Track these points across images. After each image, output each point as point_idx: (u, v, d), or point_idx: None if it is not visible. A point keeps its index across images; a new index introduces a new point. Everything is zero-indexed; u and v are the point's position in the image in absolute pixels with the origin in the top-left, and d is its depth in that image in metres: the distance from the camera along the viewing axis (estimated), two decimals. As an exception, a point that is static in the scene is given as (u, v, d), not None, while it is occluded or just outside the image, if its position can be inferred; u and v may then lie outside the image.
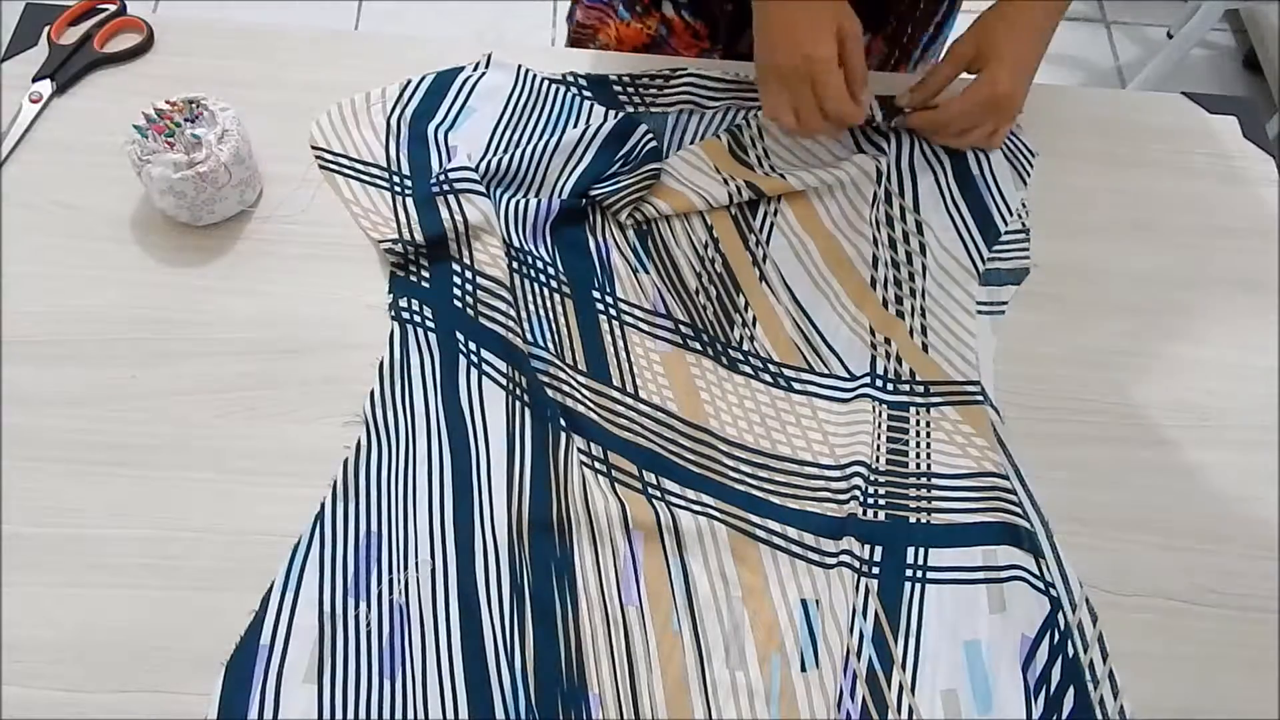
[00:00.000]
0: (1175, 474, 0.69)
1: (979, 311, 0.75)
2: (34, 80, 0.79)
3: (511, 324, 0.69)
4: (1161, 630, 0.63)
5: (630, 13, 0.93)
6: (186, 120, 0.71)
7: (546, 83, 0.84)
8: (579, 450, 0.65)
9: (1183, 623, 0.64)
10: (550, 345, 0.70)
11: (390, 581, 0.61)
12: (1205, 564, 0.66)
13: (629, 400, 0.69)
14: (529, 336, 0.70)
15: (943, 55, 0.80)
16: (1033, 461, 0.68)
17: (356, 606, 0.60)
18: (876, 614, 0.62)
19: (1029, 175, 0.82)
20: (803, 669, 0.60)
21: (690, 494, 0.65)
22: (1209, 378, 0.74)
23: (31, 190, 0.74)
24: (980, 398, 0.70)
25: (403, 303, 0.71)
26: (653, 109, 0.84)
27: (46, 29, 0.82)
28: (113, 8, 0.84)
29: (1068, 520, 0.66)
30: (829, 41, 0.72)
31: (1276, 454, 0.71)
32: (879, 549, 0.64)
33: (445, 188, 0.74)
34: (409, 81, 0.82)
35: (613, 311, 0.73)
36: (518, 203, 0.75)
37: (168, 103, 0.71)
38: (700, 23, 0.92)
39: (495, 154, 0.79)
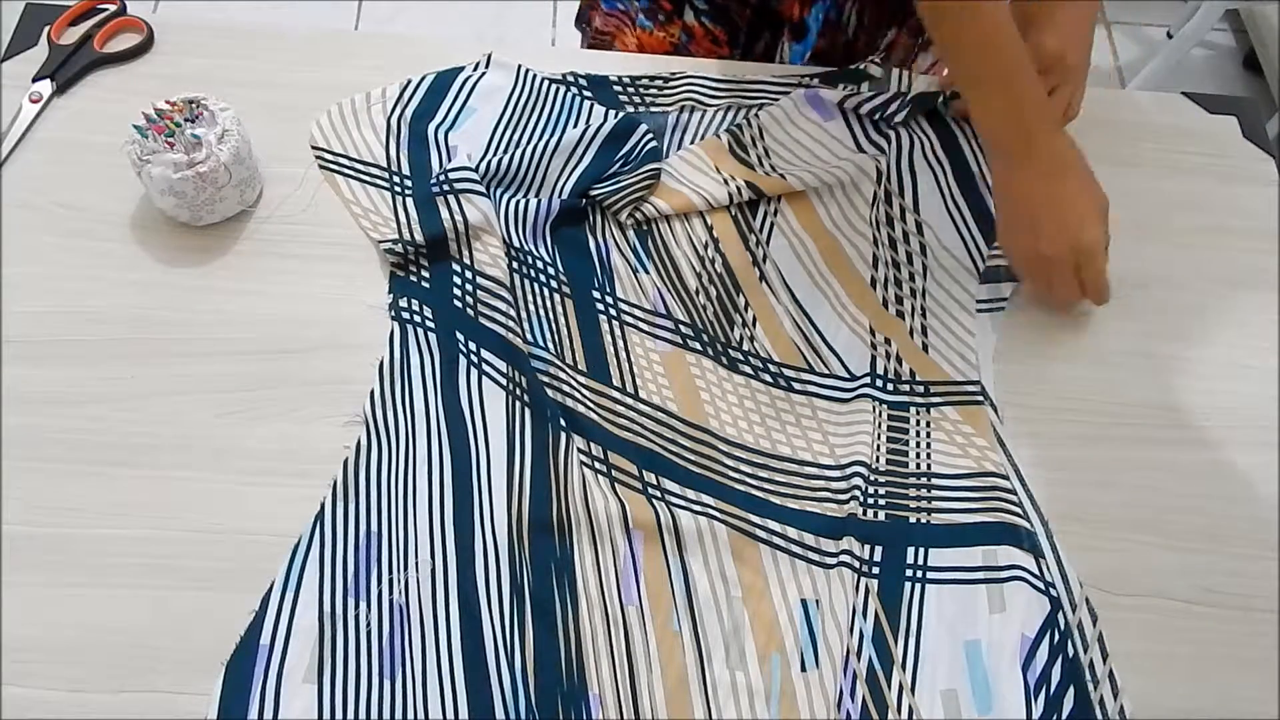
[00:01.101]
0: (1175, 474, 0.69)
1: (979, 309, 0.75)
2: (34, 80, 0.79)
3: (511, 324, 0.69)
4: (1161, 630, 0.63)
5: (652, 21, 0.93)
6: (186, 120, 0.71)
7: (546, 83, 0.84)
8: (579, 450, 0.65)
9: (1183, 623, 0.64)
10: (550, 345, 0.70)
11: (390, 581, 0.61)
12: (1205, 564, 0.66)
13: (629, 400, 0.69)
14: (529, 336, 0.70)
15: None
16: (1033, 461, 0.68)
17: (356, 606, 0.60)
18: (876, 614, 0.62)
19: None
20: (803, 669, 0.60)
21: (690, 494, 0.65)
22: (1209, 378, 0.74)
23: (31, 190, 0.74)
24: (980, 398, 0.70)
25: (403, 303, 0.71)
26: (653, 109, 0.84)
27: (46, 29, 0.82)
28: (113, 8, 0.84)
29: (1068, 520, 0.66)
30: (1100, 225, 0.71)
31: (1276, 454, 0.71)
32: (879, 549, 0.64)
33: (445, 188, 0.74)
34: (409, 81, 0.82)
35: (613, 311, 0.73)
36: (518, 203, 0.75)
37: (168, 103, 0.71)
38: (720, 29, 0.92)
39: (495, 154, 0.79)
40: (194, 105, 0.72)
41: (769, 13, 0.89)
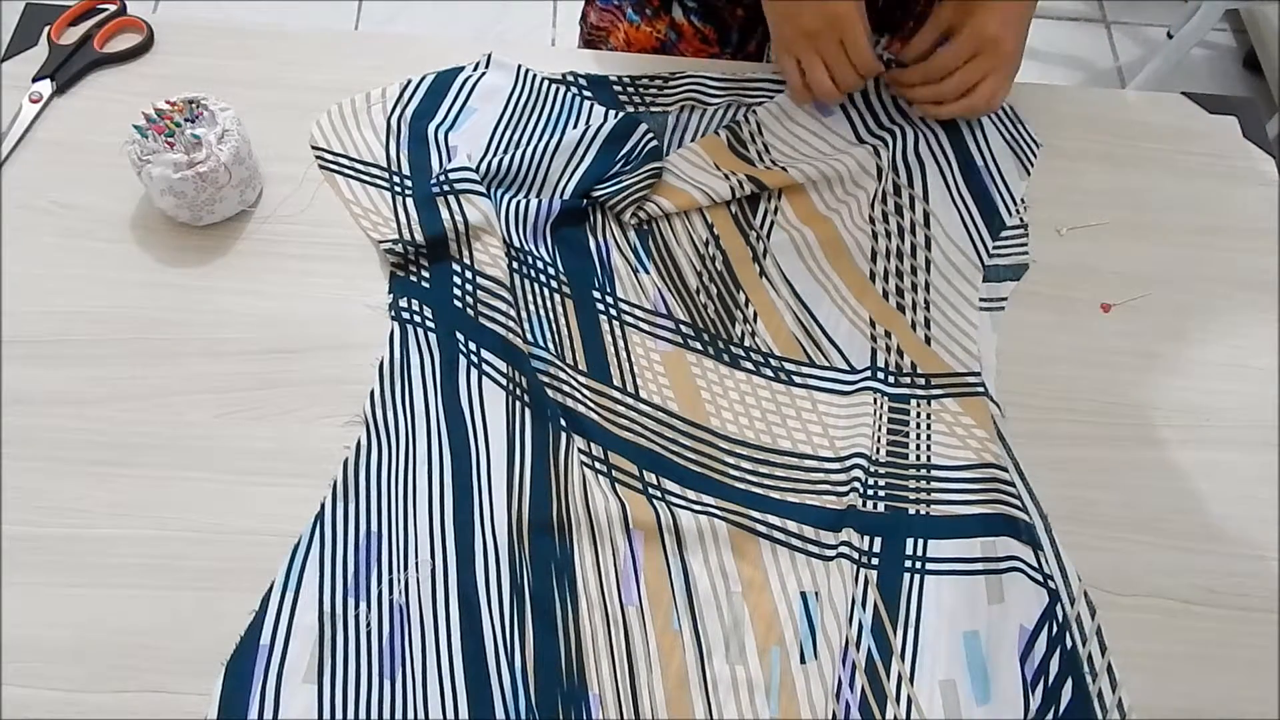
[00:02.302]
0: (1175, 474, 0.69)
1: (980, 308, 0.75)
2: (34, 80, 0.79)
3: (512, 324, 0.69)
4: (1161, 630, 0.63)
5: (639, 15, 0.93)
6: (186, 120, 0.71)
7: (546, 83, 0.84)
8: (579, 450, 0.65)
9: (1182, 623, 0.64)
10: (550, 345, 0.70)
11: (390, 581, 0.61)
12: (1205, 564, 0.66)
13: (629, 400, 0.69)
14: (529, 336, 0.70)
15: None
16: (1032, 461, 0.68)
17: (356, 606, 0.60)
18: (875, 605, 0.62)
19: (1032, 165, 0.82)
20: (802, 661, 0.60)
21: (691, 494, 0.65)
22: (1209, 378, 0.74)
23: (31, 190, 0.74)
24: (980, 388, 0.70)
25: (403, 303, 0.71)
26: (653, 109, 0.84)
27: (46, 29, 0.82)
28: (113, 8, 0.84)
29: (1068, 520, 0.66)
30: None
31: (1276, 454, 0.71)
32: (878, 540, 0.64)
33: (445, 188, 0.74)
34: (409, 81, 0.82)
35: (613, 311, 0.73)
36: (518, 203, 0.75)
37: (168, 103, 0.71)
38: (710, 28, 0.92)
39: (495, 154, 0.79)
40: (194, 105, 0.72)
41: (761, 13, 0.89)
